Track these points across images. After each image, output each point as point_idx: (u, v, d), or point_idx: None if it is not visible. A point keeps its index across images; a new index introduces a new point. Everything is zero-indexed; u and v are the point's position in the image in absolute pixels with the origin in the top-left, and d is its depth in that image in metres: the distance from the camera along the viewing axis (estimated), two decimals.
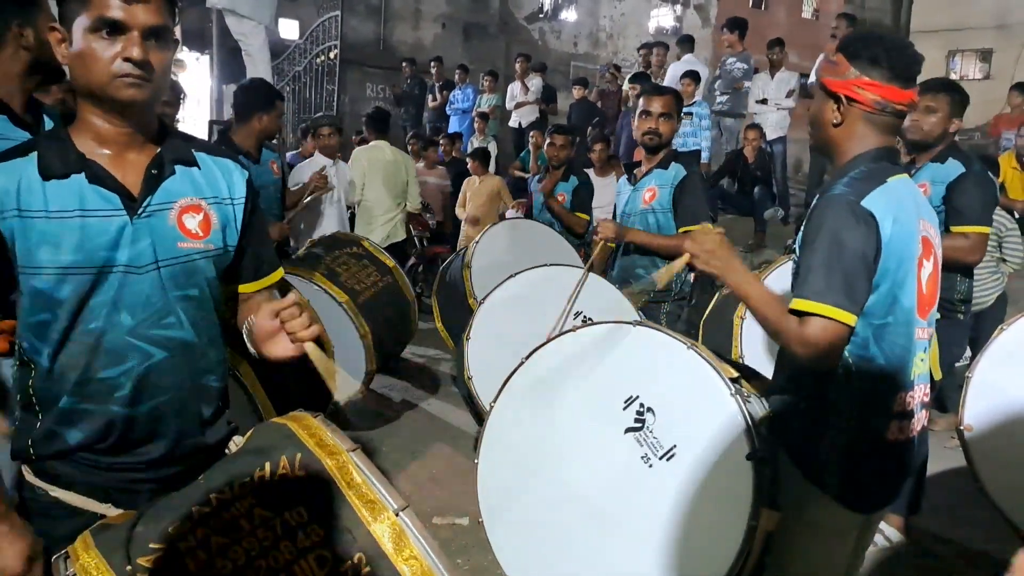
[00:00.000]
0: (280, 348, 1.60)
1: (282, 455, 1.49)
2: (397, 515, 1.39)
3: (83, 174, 1.55)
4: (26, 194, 1.51)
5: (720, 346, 3.46)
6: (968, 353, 4.79)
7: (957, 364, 4.72)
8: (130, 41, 1.50)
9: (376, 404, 5.27)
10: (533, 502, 2.36)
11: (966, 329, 3.94)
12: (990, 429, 2.57)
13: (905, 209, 1.86)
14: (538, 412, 2.41)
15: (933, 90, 3.35)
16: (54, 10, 2.36)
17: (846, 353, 1.86)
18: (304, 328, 1.56)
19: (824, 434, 1.91)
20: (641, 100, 3.81)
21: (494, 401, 2.51)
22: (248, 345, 1.73)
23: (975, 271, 4.96)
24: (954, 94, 3.39)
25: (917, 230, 1.88)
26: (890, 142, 1.96)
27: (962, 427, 2.61)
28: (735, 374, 2.11)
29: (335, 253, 4.21)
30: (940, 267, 1.99)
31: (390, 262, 4.25)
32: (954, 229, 3.28)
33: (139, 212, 1.59)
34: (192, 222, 1.66)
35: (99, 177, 1.56)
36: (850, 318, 1.77)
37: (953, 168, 3.35)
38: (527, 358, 2.47)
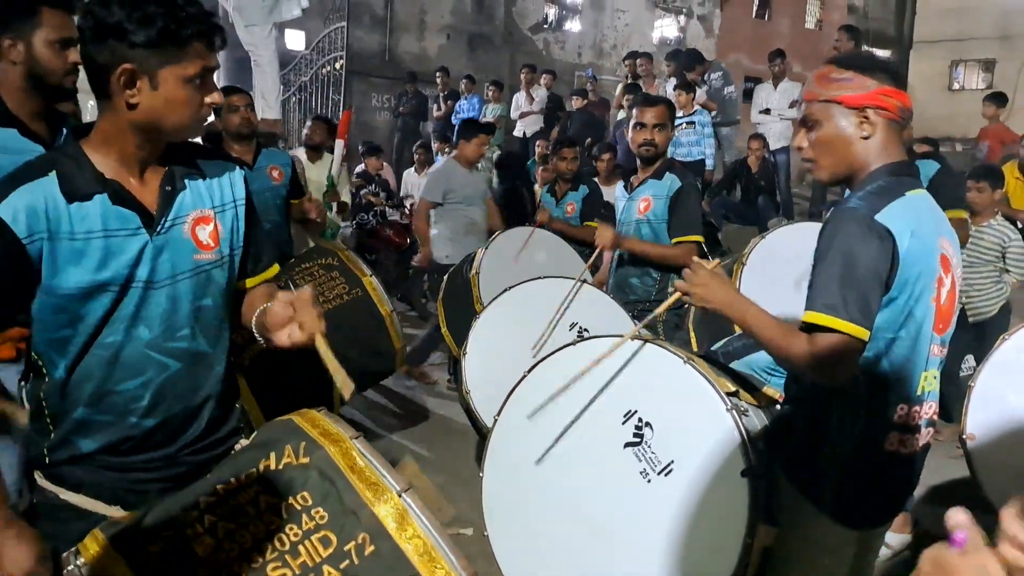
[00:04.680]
0: (288, 335, 1.63)
1: (286, 445, 1.56)
2: (400, 496, 1.45)
3: (105, 194, 1.58)
4: (53, 215, 1.54)
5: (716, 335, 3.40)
6: (973, 363, 4.81)
7: (961, 374, 4.75)
8: (214, 86, 1.63)
9: (381, 413, 5.29)
10: (536, 516, 2.37)
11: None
12: (992, 438, 2.59)
13: (924, 223, 1.82)
14: (540, 425, 2.40)
15: None
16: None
17: (859, 367, 1.82)
18: (313, 322, 1.61)
19: (820, 447, 1.89)
20: (635, 112, 3.83)
21: (498, 414, 2.51)
22: (257, 335, 1.76)
23: (978, 282, 5.06)
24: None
25: (936, 246, 1.84)
26: (904, 155, 1.92)
27: (965, 436, 2.63)
28: (732, 388, 2.11)
29: (305, 264, 4.03)
30: (957, 284, 1.94)
31: (364, 274, 3.97)
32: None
33: (157, 229, 1.63)
34: (204, 233, 1.71)
35: (120, 197, 1.59)
36: (864, 333, 1.73)
37: (929, 166, 3.77)
38: (529, 371, 2.48)
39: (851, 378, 1.79)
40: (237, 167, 1.84)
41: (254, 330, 1.75)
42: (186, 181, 1.70)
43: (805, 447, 1.93)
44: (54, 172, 1.56)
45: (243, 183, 1.83)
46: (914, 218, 1.79)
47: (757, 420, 2.10)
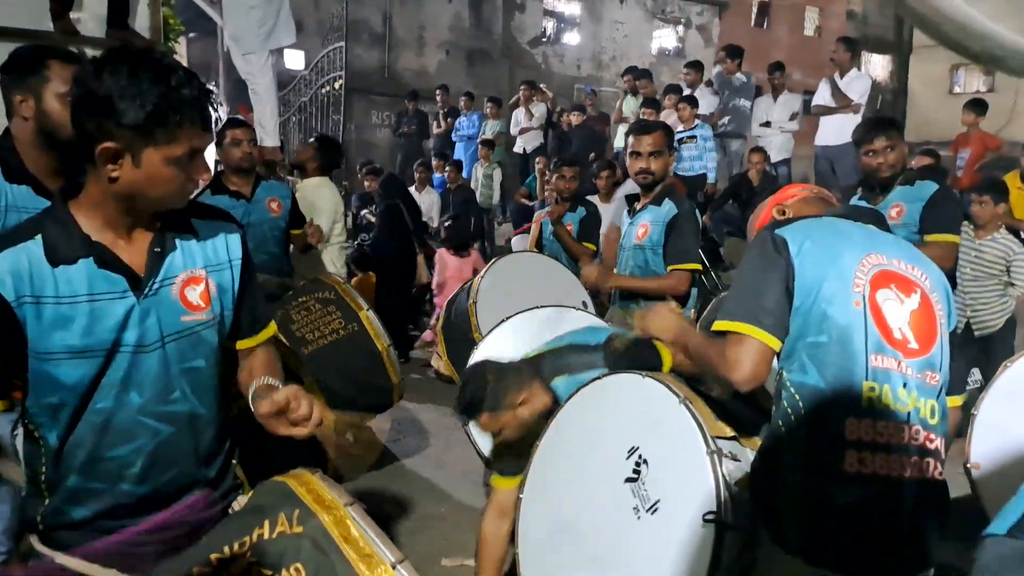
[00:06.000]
0: (285, 429, 1.64)
1: (280, 512, 1.53)
2: (394, 568, 1.42)
3: (91, 258, 1.56)
4: (37, 279, 1.52)
5: None
6: (979, 376, 4.78)
7: (968, 387, 4.71)
8: (203, 164, 1.60)
9: (384, 442, 5.27)
10: (554, 541, 2.37)
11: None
12: (997, 467, 2.56)
13: (832, 236, 1.94)
14: (566, 454, 2.43)
15: (886, 129, 3.69)
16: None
17: (788, 382, 1.88)
18: (306, 419, 1.62)
19: (779, 478, 1.87)
20: (630, 140, 3.83)
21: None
22: (251, 407, 1.74)
23: (983, 295, 5.03)
24: (897, 126, 3.80)
25: (857, 258, 1.91)
26: (832, 209, 2.17)
27: (969, 465, 2.60)
28: (730, 433, 2.10)
29: (303, 298, 3.98)
30: (933, 306, 1.94)
31: (361, 308, 3.90)
32: (928, 239, 3.57)
33: (145, 292, 1.60)
34: (193, 294, 1.68)
35: (106, 260, 1.57)
36: (759, 333, 1.86)
37: (927, 187, 3.65)
38: (570, 399, 2.49)
39: (785, 395, 1.89)
40: (234, 225, 1.82)
41: (250, 403, 1.73)
42: (177, 241, 1.67)
43: (767, 482, 1.91)
44: (39, 236, 1.55)
45: (240, 243, 1.80)
46: (814, 229, 1.95)
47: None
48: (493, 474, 2.80)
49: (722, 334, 1.92)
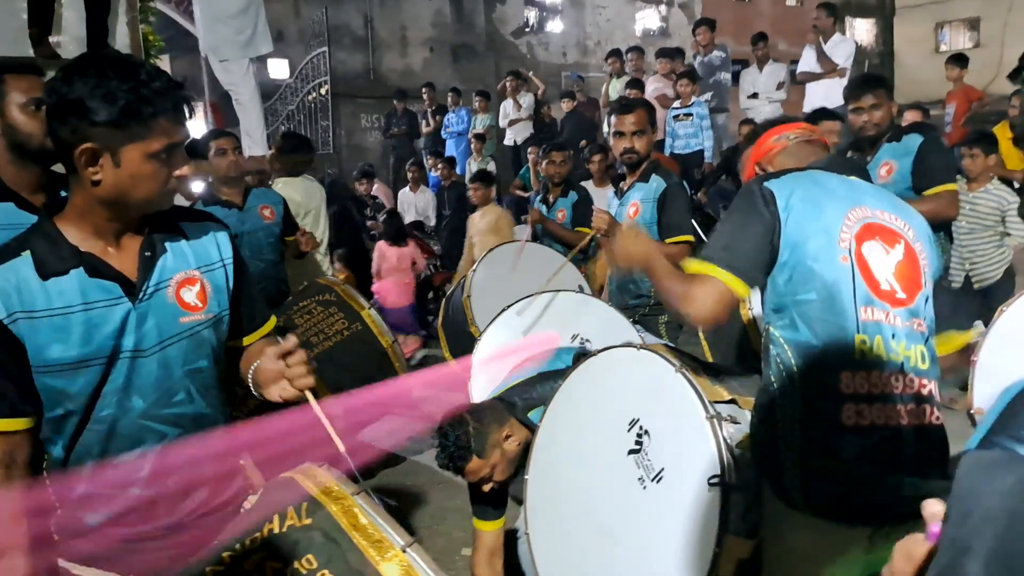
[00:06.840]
0: (280, 391, 1.66)
1: (289, 506, 1.55)
2: (404, 551, 1.44)
3: (81, 268, 1.57)
4: (27, 295, 1.53)
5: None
6: (982, 328, 4.78)
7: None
8: (182, 158, 1.60)
9: (398, 435, 5.28)
10: (563, 519, 2.39)
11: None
12: None
13: (818, 189, 1.95)
14: (567, 432, 2.45)
15: (872, 87, 3.70)
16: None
17: (778, 337, 1.91)
18: (302, 377, 1.62)
19: (779, 434, 1.88)
20: (613, 119, 3.84)
21: (539, 422, 2.55)
22: (251, 387, 1.77)
23: (980, 247, 5.04)
24: (885, 84, 3.79)
25: (838, 211, 1.92)
26: (822, 153, 2.18)
27: (973, 412, 2.61)
28: (727, 396, 2.11)
29: (303, 302, 4.00)
30: (919, 256, 1.96)
31: (363, 307, 3.96)
32: (926, 194, 3.59)
33: (140, 297, 1.62)
34: (190, 295, 1.69)
35: (97, 269, 1.58)
36: (728, 276, 1.89)
37: (913, 140, 3.66)
38: (564, 379, 2.49)
39: (777, 352, 1.92)
40: (221, 225, 1.83)
41: (250, 386, 1.76)
42: (166, 244, 1.69)
43: (767, 440, 1.93)
44: (28, 252, 1.56)
45: (229, 242, 1.82)
46: (802, 183, 1.95)
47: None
48: (474, 518, 2.75)
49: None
